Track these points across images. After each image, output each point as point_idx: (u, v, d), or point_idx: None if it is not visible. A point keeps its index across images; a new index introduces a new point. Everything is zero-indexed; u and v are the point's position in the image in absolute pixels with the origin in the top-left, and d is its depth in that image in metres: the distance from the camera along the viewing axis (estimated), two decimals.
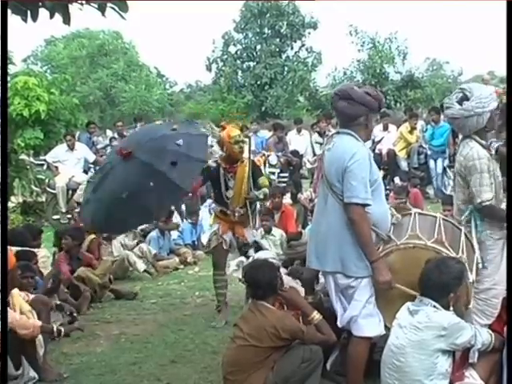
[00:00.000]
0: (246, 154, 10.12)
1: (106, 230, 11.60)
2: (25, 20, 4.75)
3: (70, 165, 19.27)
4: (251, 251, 9.82)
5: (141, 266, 13.83)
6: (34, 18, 4.77)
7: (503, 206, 7.36)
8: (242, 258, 9.03)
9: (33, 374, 8.61)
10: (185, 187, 8.81)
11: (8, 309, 8.69)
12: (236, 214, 10.21)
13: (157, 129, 10.70)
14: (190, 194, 13.01)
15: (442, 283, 6.33)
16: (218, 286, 10.54)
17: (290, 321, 7.11)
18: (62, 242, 12.78)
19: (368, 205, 6.65)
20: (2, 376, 5.75)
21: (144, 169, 8.56)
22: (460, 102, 7.12)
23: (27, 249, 10.90)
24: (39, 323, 8.49)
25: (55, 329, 8.79)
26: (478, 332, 6.42)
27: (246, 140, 10.51)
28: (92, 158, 20.20)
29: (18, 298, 8.75)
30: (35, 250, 11.32)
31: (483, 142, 7.25)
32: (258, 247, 10.01)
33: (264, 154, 19.83)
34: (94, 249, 13.07)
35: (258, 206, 11.76)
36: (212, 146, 22.69)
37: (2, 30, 3.78)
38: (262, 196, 10.11)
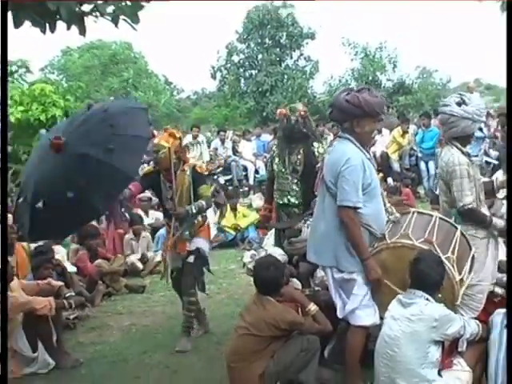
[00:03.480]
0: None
1: (42, 237, 9.43)
2: (43, 32, 4.75)
3: None
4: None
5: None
6: (52, 29, 4.77)
7: (483, 209, 7.42)
8: (255, 252, 8.78)
9: (49, 359, 8.67)
10: (127, 170, 7.30)
11: (22, 293, 8.77)
12: (175, 232, 9.00)
13: (87, 114, 9.33)
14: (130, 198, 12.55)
15: (434, 278, 6.37)
16: (188, 309, 9.21)
17: (289, 313, 7.13)
18: (82, 240, 12.88)
19: (358, 208, 6.74)
20: (2, 376, 5.57)
21: (79, 161, 7.11)
22: (458, 105, 7.15)
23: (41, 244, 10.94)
24: (52, 299, 8.72)
25: (66, 302, 9.12)
26: (467, 323, 6.44)
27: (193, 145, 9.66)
28: None
29: (18, 288, 8.93)
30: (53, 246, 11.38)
31: (464, 149, 7.32)
32: (199, 254, 9.04)
33: (266, 157, 19.83)
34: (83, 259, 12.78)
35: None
36: (216, 149, 22.77)
37: (1, 29, 3.83)
38: (195, 210, 8.80)
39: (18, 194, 7.60)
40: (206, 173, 9.19)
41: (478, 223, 7.22)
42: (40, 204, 6.95)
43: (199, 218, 9.10)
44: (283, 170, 8.87)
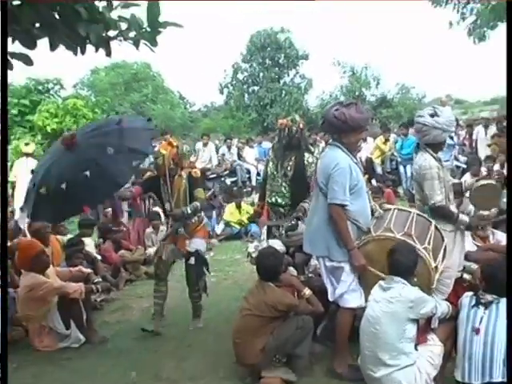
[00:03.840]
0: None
1: (42, 219, 9.26)
2: (75, 54, 4.78)
3: None
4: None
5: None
6: (83, 52, 4.81)
7: (452, 206, 7.47)
8: (258, 243, 8.76)
9: (80, 336, 8.73)
10: (116, 177, 7.46)
11: (56, 279, 8.84)
12: (178, 230, 8.94)
13: (102, 122, 9.56)
14: (132, 199, 12.48)
15: (409, 265, 6.45)
16: (156, 295, 9.23)
17: (286, 297, 7.17)
18: (108, 234, 12.96)
19: (345, 205, 6.83)
20: (2, 376, 5.42)
21: (83, 159, 7.42)
22: (431, 116, 7.20)
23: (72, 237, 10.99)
24: (82, 284, 8.85)
25: (94, 287, 9.20)
26: (438, 303, 6.48)
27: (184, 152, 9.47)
28: None
29: (54, 275, 9.08)
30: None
31: (435, 154, 7.37)
32: (199, 256, 9.04)
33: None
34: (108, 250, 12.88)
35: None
36: (224, 155, 22.79)
37: (1, 29, 3.77)
38: (190, 211, 8.72)
39: (35, 185, 7.73)
40: (205, 176, 9.03)
41: (446, 218, 7.28)
42: (43, 190, 7.22)
43: (196, 218, 9.00)
44: (275, 173, 8.82)
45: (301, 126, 8.65)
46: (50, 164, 7.81)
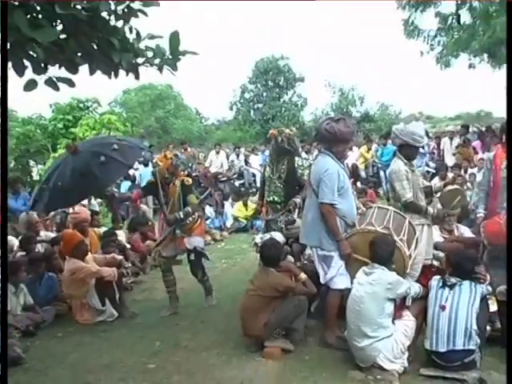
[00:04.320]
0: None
1: (60, 206, 10.09)
2: (110, 77, 4.80)
3: (144, 175, 18.99)
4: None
5: None
6: (116, 75, 4.82)
7: (422, 203, 7.49)
8: (262, 235, 8.75)
9: (114, 311, 8.76)
10: (103, 180, 7.63)
11: (94, 264, 8.86)
12: (176, 231, 8.83)
13: (105, 138, 9.98)
14: (133, 201, 12.60)
15: (388, 253, 6.50)
16: (167, 284, 9.17)
17: (285, 280, 7.19)
18: (136, 227, 12.97)
19: (334, 204, 6.90)
20: (2, 376, 5.31)
21: (83, 162, 7.57)
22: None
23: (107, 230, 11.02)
24: (115, 269, 8.98)
25: (125, 271, 9.50)
26: (412, 285, 6.53)
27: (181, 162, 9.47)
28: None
29: (92, 261, 9.15)
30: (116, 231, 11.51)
31: (405, 160, 7.45)
32: (198, 252, 8.94)
33: None
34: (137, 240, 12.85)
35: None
36: (233, 161, 22.80)
37: (1, 29, 3.68)
38: (182, 215, 8.59)
39: (42, 182, 8.06)
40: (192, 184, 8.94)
41: (416, 212, 7.35)
42: (59, 183, 7.40)
43: (191, 219, 8.86)
44: (272, 175, 8.80)
45: (286, 135, 8.64)
46: (56, 166, 8.06)
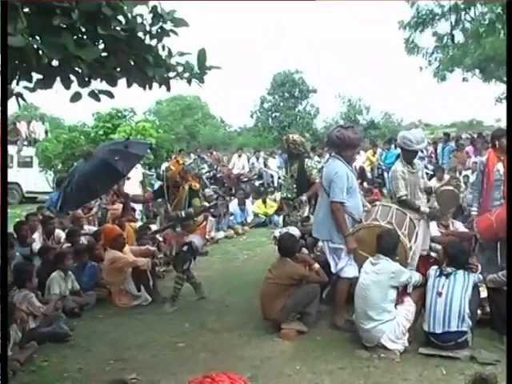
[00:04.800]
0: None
1: (80, 204, 10.03)
2: (144, 89, 4.83)
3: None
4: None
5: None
6: (150, 87, 4.85)
7: (418, 201, 7.51)
8: (281, 230, 8.74)
9: (148, 296, 8.79)
10: (102, 183, 7.95)
11: (130, 255, 8.91)
12: (176, 228, 8.70)
13: (115, 143, 10.20)
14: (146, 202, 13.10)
15: (392, 246, 6.50)
16: (176, 281, 8.67)
17: (300, 269, 7.23)
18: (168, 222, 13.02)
19: (343, 202, 6.89)
20: (2, 376, 5.15)
21: (93, 166, 7.85)
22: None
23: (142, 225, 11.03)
24: (149, 259, 9.03)
25: (157, 261, 9.73)
26: (412, 274, 6.55)
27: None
28: None
29: (129, 252, 9.20)
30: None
31: (404, 162, 7.54)
32: (190, 246, 8.47)
33: None
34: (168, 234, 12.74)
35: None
36: (253, 164, 22.80)
37: (1, 29, 3.62)
38: (184, 215, 8.37)
39: (64, 186, 8.28)
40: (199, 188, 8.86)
41: (409, 209, 7.35)
42: (74, 186, 7.72)
43: (197, 219, 8.60)
44: (286, 175, 8.98)
45: (293, 140, 8.70)
46: (73, 170, 8.50)
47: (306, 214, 8.55)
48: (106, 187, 8.79)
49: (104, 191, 10.11)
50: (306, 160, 8.87)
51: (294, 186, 8.76)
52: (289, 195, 8.84)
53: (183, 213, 8.40)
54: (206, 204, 9.54)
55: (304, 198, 8.55)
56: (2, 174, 5.42)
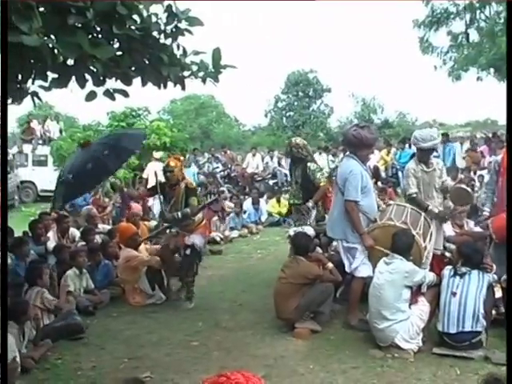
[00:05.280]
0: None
1: (66, 201, 9.09)
2: (159, 88, 4.84)
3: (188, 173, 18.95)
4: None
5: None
6: (165, 87, 4.86)
7: (430, 201, 7.48)
8: (295, 229, 8.71)
9: (162, 295, 8.81)
10: (97, 175, 7.51)
11: (146, 253, 8.94)
12: (171, 230, 8.76)
13: (105, 137, 9.87)
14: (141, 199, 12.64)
15: (406, 245, 6.48)
16: (187, 284, 8.68)
17: (313, 268, 7.22)
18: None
19: (358, 201, 6.88)
20: (2, 376, 5.10)
21: (91, 154, 7.40)
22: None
23: (156, 224, 11.07)
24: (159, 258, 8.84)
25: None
26: (426, 274, 6.54)
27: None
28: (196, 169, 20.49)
29: (144, 251, 9.25)
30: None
31: (417, 161, 7.56)
32: (194, 249, 8.42)
33: None
34: None
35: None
36: (267, 163, 22.78)
37: (2, 29, 3.58)
38: (180, 216, 8.20)
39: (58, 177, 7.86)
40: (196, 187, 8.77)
41: (418, 207, 7.29)
42: (70, 176, 7.17)
43: (196, 218, 8.49)
44: (291, 181, 9.00)
45: (295, 144, 8.73)
46: (69, 162, 8.26)
47: (312, 219, 8.52)
48: (93, 182, 8.31)
49: (91, 187, 9.95)
50: (309, 164, 8.76)
51: (300, 191, 8.75)
52: (296, 201, 8.83)
53: (179, 214, 8.26)
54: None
55: (310, 204, 8.52)
56: (2, 175, 5.37)
